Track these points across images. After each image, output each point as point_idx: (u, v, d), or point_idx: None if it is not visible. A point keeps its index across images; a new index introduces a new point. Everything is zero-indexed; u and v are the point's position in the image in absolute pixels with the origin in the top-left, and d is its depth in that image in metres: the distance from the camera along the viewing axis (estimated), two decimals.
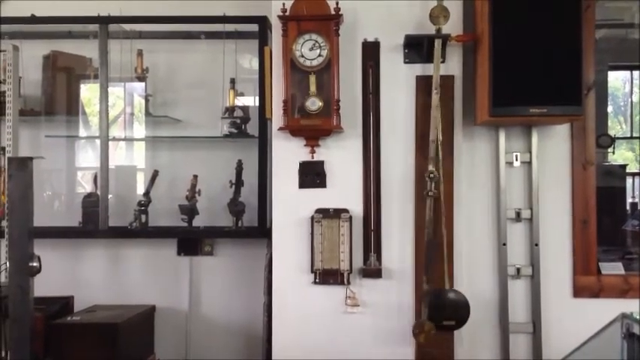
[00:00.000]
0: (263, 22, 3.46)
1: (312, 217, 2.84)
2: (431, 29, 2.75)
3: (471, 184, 2.93)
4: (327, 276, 2.83)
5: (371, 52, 2.89)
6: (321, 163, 2.90)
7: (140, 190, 3.74)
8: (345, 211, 2.85)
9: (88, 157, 3.88)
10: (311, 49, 2.77)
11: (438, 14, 2.73)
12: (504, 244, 2.91)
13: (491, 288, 2.93)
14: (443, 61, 2.79)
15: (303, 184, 2.90)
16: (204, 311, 3.76)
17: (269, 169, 3.16)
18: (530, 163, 2.92)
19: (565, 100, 2.65)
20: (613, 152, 5.80)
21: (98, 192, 3.61)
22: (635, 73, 6.84)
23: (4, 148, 3.07)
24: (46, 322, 3.14)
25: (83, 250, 3.77)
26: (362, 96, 2.90)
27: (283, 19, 2.78)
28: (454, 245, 2.81)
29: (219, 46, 3.64)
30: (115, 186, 3.72)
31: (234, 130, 3.61)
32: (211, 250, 3.76)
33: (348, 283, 2.83)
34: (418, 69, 2.88)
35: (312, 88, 2.76)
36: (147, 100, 3.74)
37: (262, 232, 3.45)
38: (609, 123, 6.78)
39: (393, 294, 2.85)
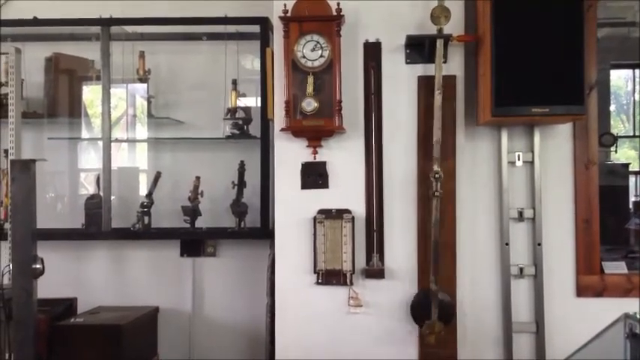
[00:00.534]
0: (264, 23, 3.47)
1: (315, 218, 2.85)
2: (432, 29, 2.75)
3: (473, 184, 2.93)
4: (330, 276, 2.83)
5: (372, 52, 2.89)
6: (324, 163, 2.90)
7: (143, 191, 3.75)
8: (348, 211, 2.85)
9: (90, 159, 3.89)
10: (312, 49, 2.77)
11: (439, 14, 2.72)
12: (507, 244, 2.91)
13: (494, 288, 2.93)
14: (445, 62, 2.78)
15: (306, 184, 2.90)
16: (207, 312, 3.77)
17: (271, 170, 3.17)
18: (532, 162, 2.92)
19: (567, 100, 2.65)
20: (616, 151, 5.79)
21: (101, 194, 3.62)
22: (637, 71, 6.82)
23: (6, 151, 3.07)
24: (50, 324, 3.15)
25: (86, 252, 3.78)
26: (364, 96, 2.89)
27: (285, 19, 2.78)
28: (457, 245, 2.81)
29: (221, 47, 3.65)
30: (117, 188, 3.73)
31: (236, 131, 3.62)
32: (214, 251, 3.76)
33: (351, 283, 2.83)
34: (420, 69, 2.88)
35: (309, 89, 2.75)
36: (149, 102, 3.75)
37: (265, 233, 3.45)
38: (612, 122, 6.77)
39: (396, 294, 2.85)
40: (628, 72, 7.15)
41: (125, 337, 3.14)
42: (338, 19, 2.76)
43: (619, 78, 7.64)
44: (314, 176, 2.89)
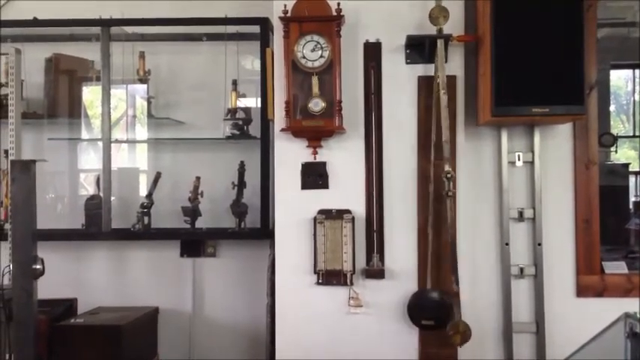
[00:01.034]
0: (264, 23, 3.47)
1: (315, 218, 2.84)
2: (432, 30, 2.75)
3: (473, 184, 2.93)
4: (330, 277, 2.83)
5: (372, 52, 2.89)
6: (324, 164, 2.90)
7: (143, 192, 3.76)
8: (348, 211, 2.85)
9: (90, 160, 3.89)
10: (313, 50, 2.77)
11: (438, 15, 2.72)
12: (507, 244, 2.91)
13: (495, 288, 2.93)
14: (445, 62, 2.78)
15: (306, 185, 2.90)
16: (208, 312, 3.77)
17: (271, 170, 3.17)
18: (532, 162, 2.92)
19: (567, 100, 2.64)
20: (616, 151, 5.79)
21: (101, 194, 3.62)
22: (637, 71, 6.83)
23: (7, 151, 3.08)
24: (50, 325, 3.14)
25: (86, 253, 3.78)
26: (364, 97, 2.89)
27: (285, 20, 2.78)
28: (457, 245, 2.81)
29: (221, 48, 3.65)
30: (117, 188, 3.73)
31: (236, 132, 3.62)
32: (214, 251, 3.76)
33: (351, 283, 2.83)
34: (420, 69, 2.88)
35: (315, 89, 2.76)
36: (149, 102, 3.75)
37: (265, 233, 3.45)
38: (612, 122, 6.78)
39: (396, 294, 2.85)
40: (628, 72, 7.16)
41: (125, 338, 3.14)
42: (338, 19, 2.76)
43: (619, 78, 7.65)
44: (314, 176, 2.89)
